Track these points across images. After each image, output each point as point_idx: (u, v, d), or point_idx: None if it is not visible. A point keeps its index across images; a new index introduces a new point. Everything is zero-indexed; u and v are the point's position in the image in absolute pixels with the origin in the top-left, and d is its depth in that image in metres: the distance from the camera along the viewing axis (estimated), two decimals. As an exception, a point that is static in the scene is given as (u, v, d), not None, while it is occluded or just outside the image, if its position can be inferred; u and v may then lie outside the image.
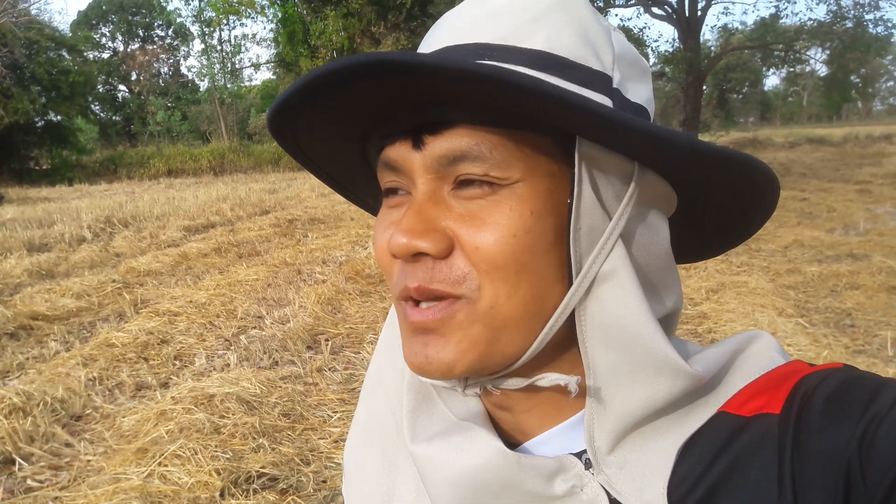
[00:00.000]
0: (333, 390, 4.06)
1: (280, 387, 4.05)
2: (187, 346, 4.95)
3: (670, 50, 22.92)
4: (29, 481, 3.13)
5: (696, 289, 5.93)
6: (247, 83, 52.27)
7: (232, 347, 4.90)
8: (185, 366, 4.61)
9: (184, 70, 57.65)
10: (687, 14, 20.56)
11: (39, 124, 31.15)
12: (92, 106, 42.17)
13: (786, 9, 25.43)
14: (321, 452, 3.28)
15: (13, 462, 3.27)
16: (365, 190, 0.63)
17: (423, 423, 0.54)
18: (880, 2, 18.41)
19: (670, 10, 21.20)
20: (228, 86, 45.68)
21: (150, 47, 54.72)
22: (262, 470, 3.06)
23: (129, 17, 53.85)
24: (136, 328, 5.26)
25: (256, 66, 52.86)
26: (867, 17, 18.77)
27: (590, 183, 0.46)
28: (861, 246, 7.48)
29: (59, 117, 32.09)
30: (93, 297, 6.44)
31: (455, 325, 0.47)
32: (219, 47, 45.39)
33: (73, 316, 5.89)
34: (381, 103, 0.46)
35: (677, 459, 0.48)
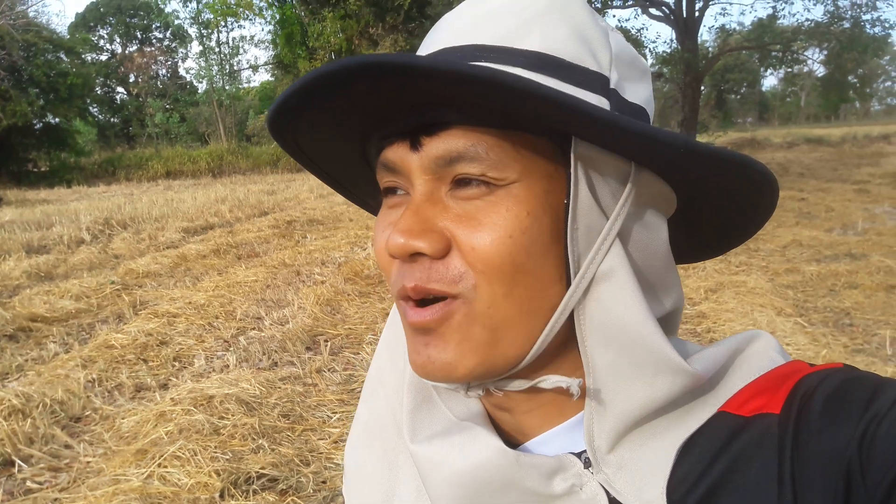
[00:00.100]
0: (333, 391, 4.06)
1: (279, 388, 4.05)
2: (186, 348, 4.95)
3: (668, 51, 22.94)
4: (28, 483, 3.13)
5: (695, 288, 5.93)
6: (245, 85, 52.32)
7: (231, 348, 4.90)
8: (185, 367, 4.60)
9: (182, 72, 57.67)
10: (685, 15, 20.57)
11: (38, 126, 31.09)
12: (90, 108, 42.11)
13: (783, 9, 25.44)
14: (321, 453, 3.28)
15: (13, 464, 3.27)
16: (365, 190, 0.63)
17: (423, 423, 0.54)
18: (877, 2, 18.45)
19: (668, 11, 21.22)
20: (227, 88, 45.69)
21: (148, 49, 54.69)
22: (261, 471, 3.06)
23: (127, 20, 53.82)
24: (135, 330, 5.26)
25: (255, 68, 52.90)
26: (864, 17, 18.81)
27: (586, 183, 0.46)
28: (859, 245, 7.49)
29: (57, 119, 32.05)
30: (92, 298, 6.44)
31: (454, 325, 0.47)
32: (217, 49, 45.41)
33: (72, 318, 5.89)
34: (379, 104, 0.47)
35: (677, 459, 0.48)
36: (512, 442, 0.54)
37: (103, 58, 53.08)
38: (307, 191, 17.23)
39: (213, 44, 45.06)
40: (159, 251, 8.97)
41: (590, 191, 0.47)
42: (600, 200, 0.47)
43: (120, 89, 54.23)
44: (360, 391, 0.65)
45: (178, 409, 3.66)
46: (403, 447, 0.58)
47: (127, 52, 54.10)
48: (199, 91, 51.99)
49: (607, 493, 0.49)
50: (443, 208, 0.47)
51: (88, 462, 3.30)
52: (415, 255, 0.47)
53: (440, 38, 0.50)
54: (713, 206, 0.56)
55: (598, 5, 19.40)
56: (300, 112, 0.47)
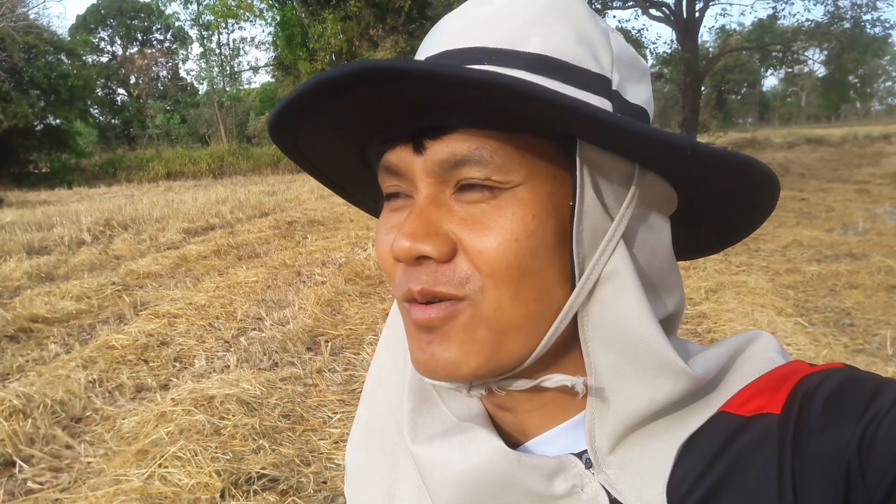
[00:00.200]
0: (333, 391, 4.06)
1: (280, 388, 4.05)
2: (187, 348, 4.95)
3: (668, 51, 22.94)
4: (29, 483, 3.13)
5: (696, 289, 5.93)
6: (245, 86, 52.26)
7: (232, 349, 4.90)
8: (185, 367, 4.61)
9: (183, 73, 57.67)
10: (685, 15, 20.57)
11: (38, 128, 31.10)
12: (91, 109, 42.14)
13: (783, 10, 25.41)
14: (321, 453, 3.29)
15: (13, 464, 3.27)
16: (366, 192, 0.63)
17: (423, 423, 0.54)
18: (878, 2, 18.44)
19: (668, 12, 21.22)
20: (227, 89, 45.68)
21: (149, 51, 54.70)
22: (262, 471, 3.06)
23: (128, 21, 53.84)
24: (136, 330, 5.26)
25: (255, 70, 53.01)
26: (865, 17, 18.80)
27: (591, 185, 0.47)
28: (860, 245, 7.49)
29: (58, 121, 32.06)
30: (92, 299, 6.44)
31: (459, 326, 0.47)
32: (217, 51, 45.42)
33: (72, 318, 5.89)
34: (381, 108, 0.46)
35: (677, 459, 0.48)
36: (512, 442, 0.55)
37: (104, 59, 53.11)
38: (308, 192, 17.23)
39: (213, 45, 45.12)
40: (160, 252, 8.97)
41: (595, 193, 0.47)
42: (605, 202, 0.47)
43: (121, 91, 54.25)
44: (360, 391, 0.65)
45: (179, 409, 3.66)
46: (404, 447, 0.58)
47: (128, 53, 54.13)
48: (200, 92, 52.09)
49: (608, 493, 0.49)
50: (447, 211, 0.47)
51: (89, 462, 3.31)
52: (420, 259, 0.47)
53: (440, 40, 0.50)
54: (714, 206, 0.56)
55: (598, 6, 19.42)
56: (302, 116, 0.47)
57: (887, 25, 19.04)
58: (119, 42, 54.59)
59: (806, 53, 23.96)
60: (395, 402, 0.59)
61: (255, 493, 2.92)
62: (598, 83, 0.48)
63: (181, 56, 57.24)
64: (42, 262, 8.13)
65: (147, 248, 9.36)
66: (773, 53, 22.75)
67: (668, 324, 0.55)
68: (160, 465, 3.06)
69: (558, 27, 0.48)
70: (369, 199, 0.64)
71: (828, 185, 14.20)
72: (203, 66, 45.89)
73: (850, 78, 23.90)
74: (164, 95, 52.58)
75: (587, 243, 0.47)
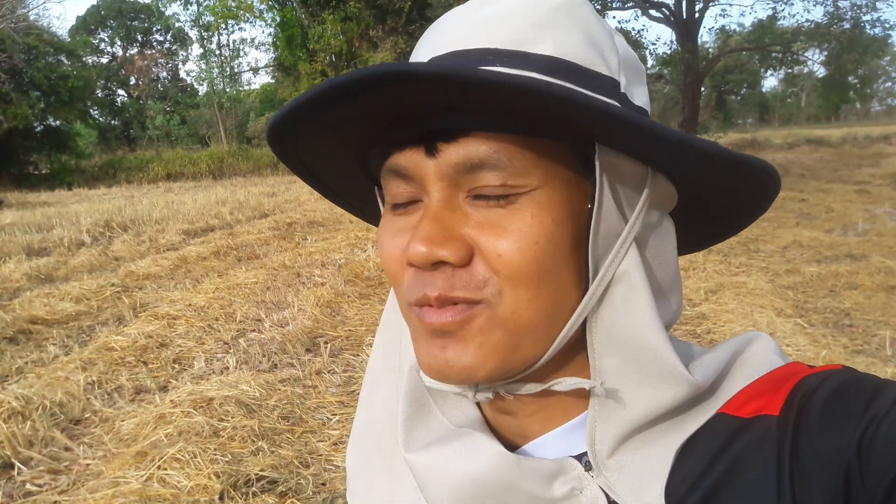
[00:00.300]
0: (333, 393, 4.06)
1: (279, 389, 4.05)
2: (186, 350, 4.95)
3: (668, 52, 22.96)
4: (28, 485, 3.13)
5: (695, 289, 5.93)
6: (246, 87, 52.23)
7: (231, 350, 4.90)
8: (185, 369, 4.61)
9: (183, 74, 57.66)
10: (685, 16, 20.61)
11: (38, 129, 31.12)
12: (91, 111, 42.19)
13: (783, 10, 25.42)
14: (320, 455, 3.28)
15: (12, 466, 3.27)
16: (357, 196, 0.62)
17: (418, 431, 0.54)
18: (877, 3, 18.45)
19: (668, 13, 21.25)
20: (227, 90, 45.67)
21: (149, 52, 54.71)
22: (261, 473, 3.06)
23: (128, 22, 53.86)
24: (136, 332, 5.26)
25: (255, 71, 52.91)
26: (864, 18, 18.84)
27: (609, 188, 0.47)
28: (860, 246, 7.49)
29: (58, 122, 32.08)
30: (92, 301, 6.44)
31: (475, 329, 0.47)
32: (217, 52, 45.40)
33: (72, 320, 5.89)
34: (389, 110, 0.46)
35: (676, 461, 0.48)
36: (510, 445, 0.54)
37: (104, 60, 53.13)
38: (308, 193, 17.22)
39: (213, 46, 45.08)
40: (159, 253, 8.97)
41: (612, 196, 0.47)
42: (620, 205, 0.48)
43: (121, 92, 54.26)
44: (359, 393, 0.65)
45: (178, 411, 3.66)
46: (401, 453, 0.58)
47: (128, 54, 54.14)
48: (200, 93, 52.11)
49: (607, 496, 0.49)
50: (462, 215, 0.47)
51: (88, 464, 3.30)
52: (437, 264, 0.46)
53: (444, 40, 0.49)
54: (718, 204, 0.56)
55: (598, 7, 19.42)
56: (311, 119, 0.46)
57: (887, 26, 19.08)
58: (119, 43, 54.63)
59: (806, 54, 24.00)
60: (392, 405, 0.59)
61: (254, 494, 2.92)
62: (609, 85, 0.48)
63: (181, 57, 57.30)
64: (41, 263, 8.13)
65: (147, 250, 9.37)
66: (773, 54, 22.79)
67: (668, 326, 0.55)
68: (159, 467, 3.06)
69: (568, 29, 0.48)
70: (361, 203, 0.64)
71: (828, 185, 14.21)
72: (203, 67, 45.89)
73: (850, 78, 23.92)
74: (164, 96, 52.59)
75: (602, 246, 0.47)
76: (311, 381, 4.26)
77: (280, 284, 6.94)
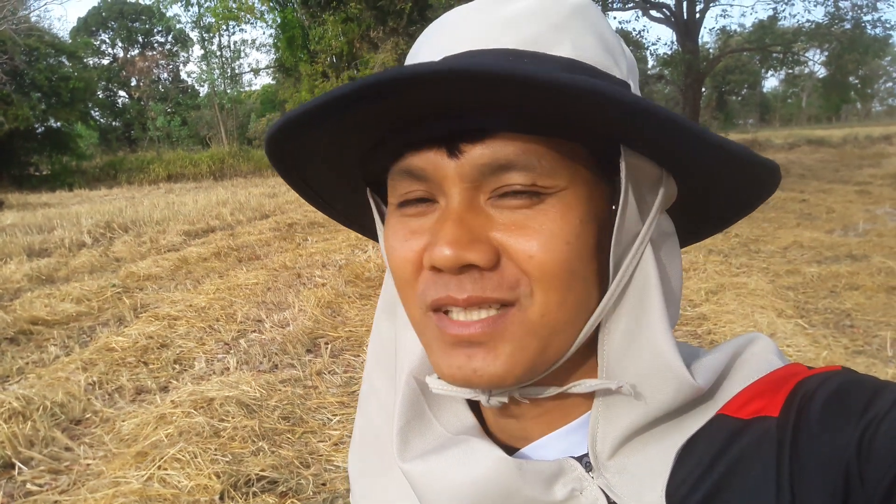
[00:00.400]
0: (333, 393, 4.06)
1: (280, 390, 4.05)
2: (187, 350, 4.95)
3: (669, 53, 22.96)
4: (29, 485, 3.13)
5: (696, 290, 5.92)
6: (246, 88, 52.33)
7: (231, 351, 4.90)
8: (185, 370, 4.61)
9: (183, 76, 57.69)
10: (685, 17, 20.60)
11: (39, 130, 31.14)
12: (92, 112, 42.18)
13: (784, 11, 25.42)
14: (321, 455, 3.28)
15: (13, 466, 3.27)
16: (344, 195, 0.61)
17: (414, 440, 0.53)
18: (878, 3, 18.44)
19: (668, 13, 21.24)
20: (228, 91, 45.73)
21: (150, 53, 54.74)
22: (261, 473, 3.06)
23: (129, 24, 53.89)
24: (136, 332, 5.26)
25: (256, 72, 52.88)
26: (865, 18, 18.81)
27: (632, 189, 0.47)
28: (860, 247, 7.48)
29: (59, 123, 32.09)
30: (93, 301, 6.44)
31: (508, 336, 0.46)
32: (218, 53, 45.46)
33: (72, 321, 5.90)
34: (411, 110, 0.44)
35: (676, 462, 0.48)
36: (509, 448, 0.54)
37: (105, 62, 53.18)
38: (308, 194, 17.19)
39: (214, 48, 45.16)
40: (160, 254, 8.98)
41: (634, 197, 0.47)
42: (639, 206, 0.48)
43: (122, 93, 54.27)
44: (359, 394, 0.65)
45: (179, 411, 3.66)
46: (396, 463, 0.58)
47: (129, 56, 54.18)
48: (201, 94, 52.15)
49: (607, 497, 0.49)
50: (486, 217, 0.46)
51: (88, 464, 3.30)
52: (463, 267, 0.45)
53: (455, 40, 0.48)
54: (718, 203, 0.57)
55: (599, 6, 19.40)
56: (330, 118, 0.45)
57: (888, 26, 19.04)
58: (120, 44, 54.66)
59: (806, 54, 23.97)
60: (389, 410, 0.59)
61: (255, 495, 2.92)
62: (623, 88, 0.48)
63: (182, 58, 57.33)
64: (42, 264, 8.14)
65: (147, 251, 9.37)
66: (774, 54, 22.75)
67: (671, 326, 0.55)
68: (159, 468, 3.06)
69: (584, 32, 0.48)
70: (343, 204, 0.62)
71: (828, 186, 14.20)
72: (204, 68, 45.99)
73: (851, 79, 23.87)
74: (165, 98, 52.62)
75: (623, 246, 0.48)
76: (311, 382, 4.26)
77: (281, 285, 6.94)
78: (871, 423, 0.42)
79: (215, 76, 44.85)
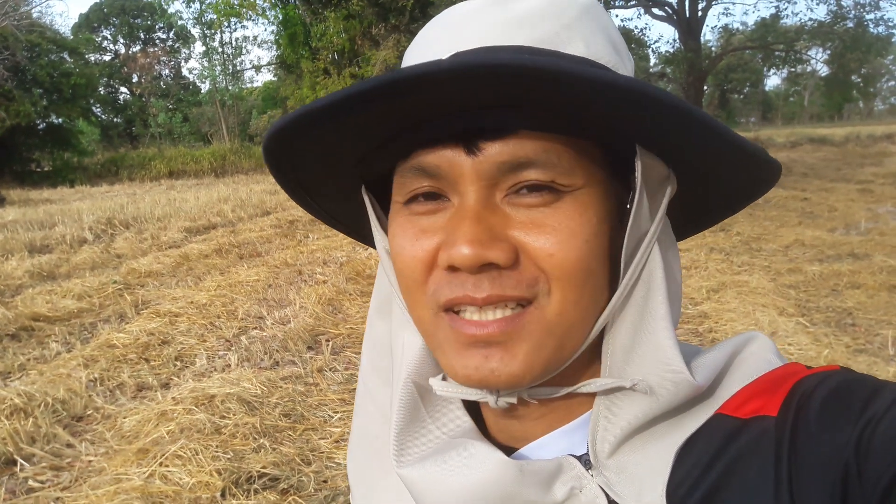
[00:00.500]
0: (334, 390, 4.06)
1: (281, 387, 4.05)
2: (188, 347, 4.95)
3: (671, 51, 22.92)
4: (30, 482, 3.14)
5: (697, 288, 5.92)
6: (248, 85, 52.40)
7: (233, 348, 4.90)
8: (186, 366, 4.61)
9: (185, 72, 57.87)
10: (687, 15, 20.56)
11: (41, 126, 31.19)
12: (93, 108, 42.13)
13: (786, 9, 25.38)
14: (322, 452, 3.29)
15: (14, 463, 3.28)
16: (335, 195, 0.60)
17: (411, 445, 0.53)
18: (881, 1, 18.41)
19: (671, 11, 21.20)
20: (229, 88, 45.74)
21: (152, 50, 54.76)
22: (262, 470, 3.06)
23: (131, 20, 53.93)
24: (137, 329, 5.27)
25: (257, 68, 53.11)
26: (868, 16, 18.78)
27: (645, 189, 0.47)
28: (862, 245, 7.47)
29: (60, 119, 32.15)
30: (94, 298, 6.45)
31: (525, 335, 0.46)
32: (220, 49, 45.45)
33: (74, 317, 5.90)
34: (429, 108, 0.44)
35: (675, 462, 0.48)
36: (507, 448, 0.54)
37: (107, 58, 53.23)
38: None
39: (216, 44, 45.16)
40: (162, 251, 8.98)
41: (647, 196, 0.48)
42: (650, 205, 0.48)
43: (123, 89, 54.35)
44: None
45: (180, 408, 3.66)
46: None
47: (130, 52, 54.21)
48: (202, 91, 52.14)
49: (607, 496, 0.49)
50: (503, 216, 0.46)
51: (90, 461, 3.31)
52: (482, 266, 0.45)
53: (465, 36, 0.48)
54: (718, 200, 0.57)
55: (603, 6, 19.38)
56: (342, 117, 0.44)
57: (890, 25, 19.12)
58: (122, 41, 54.71)
59: (809, 53, 23.93)
60: (386, 410, 0.59)
61: (256, 491, 2.92)
62: None
63: (184, 55, 57.37)
64: (44, 260, 8.14)
65: (149, 247, 9.37)
66: (776, 53, 22.74)
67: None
68: (161, 464, 3.06)
69: (595, 32, 0.48)
70: (332, 204, 0.61)
71: (830, 184, 14.18)
72: (205, 64, 46.01)
73: (853, 77, 23.87)
74: (167, 94, 52.66)
75: (634, 245, 0.48)
76: (312, 379, 4.26)
77: (282, 282, 6.95)
78: (870, 423, 0.42)
79: (217, 73, 44.84)
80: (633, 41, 23.28)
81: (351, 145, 0.51)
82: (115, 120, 52.48)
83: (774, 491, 0.44)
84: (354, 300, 6.13)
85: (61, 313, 5.90)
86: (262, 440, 3.34)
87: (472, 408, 0.56)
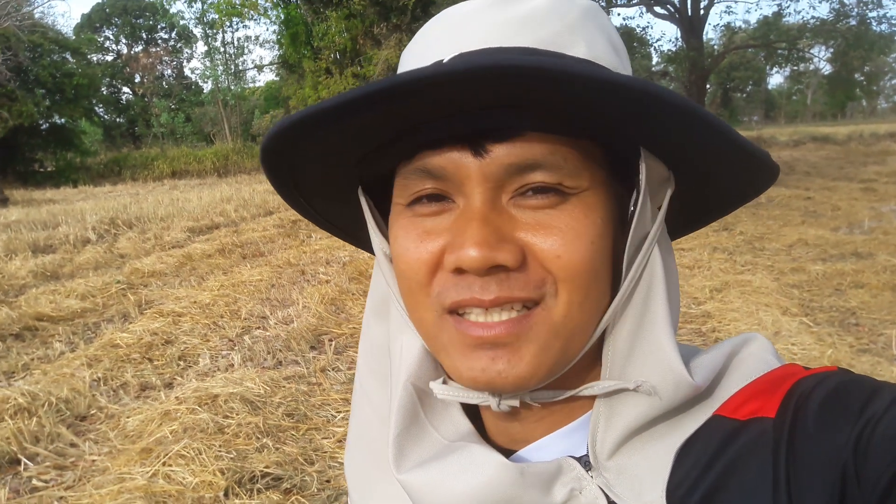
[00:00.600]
0: (337, 390, 4.06)
1: (284, 387, 4.05)
2: (191, 347, 4.96)
3: (673, 49, 22.89)
4: (34, 481, 3.14)
5: (700, 288, 5.91)
6: (250, 85, 52.41)
7: (236, 348, 4.91)
8: (190, 366, 4.62)
9: (187, 72, 57.88)
10: (689, 13, 20.52)
11: (44, 127, 31.26)
12: (96, 108, 42.28)
13: (788, 7, 25.33)
14: (325, 452, 3.29)
15: (18, 462, 3.29)
16: (331, 198, 0.59)
17: (410, 450, 0.52)
18: (884, -1, 18.35)
19: (673, 10, 21.16)
20: (232, 87, 45.76)
21: (154, 50, 54.80)
22: (265, 470, 3.07)
23: (133, 20, 53.96)
24: (141, 329, 5.28)
25: (259, 68, 53.14)
26: (871, 14, 18.74)
27: (648, 191, 0.48)
28: (866, 244, 7.46)
29: (63, 120, 32.23)
30: (97, 298, 6.46)
31: (532, 336, 0.46)
32: (222, 49, 45.49)
33: (77, 317, 5.91)
34: (435, 109, 0.43)
35: (675, 462, 0.48)
36: (506, 451, 0.54)
37: (109, 58, 53.27)
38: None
39: (218, 44, 45.20)
40: (165, 251, 9.00)
41: (649, 198, 0.48)
42: (651, 206, 0.49)
43: (125, 89, 54.39)
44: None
45: (183, 408, 3.67)
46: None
47: (132, 52, 54.25)
48: (205, 91, 52.14)
49: (607, 497, 0.49)
50: (509, 217, 0.46)
51: (94, 460, 3.32)
52: (490, 268, 0.45)
53: (468, 37, 0.47)
54: (717, 200, 0.57)
55: (603, 3, 19.36)
56: (345, 120, 0.43)
57: (893, 23, 19.04)
58: (124, 41, 54.73)
59: (811, 51, 23.88)
60: (382, 412, 0.59)
61: (259, 491, 2.92)
62: None
63: (186, 55, 57.39)
64: (47, 260, 8.16)
65: (152, 247, 9.39)
66: (779, 51, 22.70)
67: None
68: (164, 464, 3.07)
69: (596, 34, 0.48)
70: (326, 206, 0.61)
71: (833, 183, 14.15)
72: (208, 64, 46.07)
73: (856, 75, 23.80)
74: (169, 94, 52.70)
75: (635, 247, 0.48)
76: (315, 379, 4.27)
77: (285, 282, 6.95)
78: (868, 424, 0.42)
79: (219, 73, 44.88)
80: (636, 40, 23.26)
81: (351, 147, 0.50)
82: (117, 120, 52.53)
83: (773, 492, 0.44)
84: (357, 300, 6.13)
85: (65, 313, 5.91)
86: (265, 440, 3.34)
87: (470, 410, 0.56)
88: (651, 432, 0.50)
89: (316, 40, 22.86)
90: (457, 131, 0.45)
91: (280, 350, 4.79)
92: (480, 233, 0.44)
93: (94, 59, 47.63)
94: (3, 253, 8.65)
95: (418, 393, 0.54)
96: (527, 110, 0.43)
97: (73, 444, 3.49)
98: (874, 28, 18.95)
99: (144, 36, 54.99)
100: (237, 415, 3.58)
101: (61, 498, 2.98)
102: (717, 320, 5.07)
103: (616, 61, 0.49)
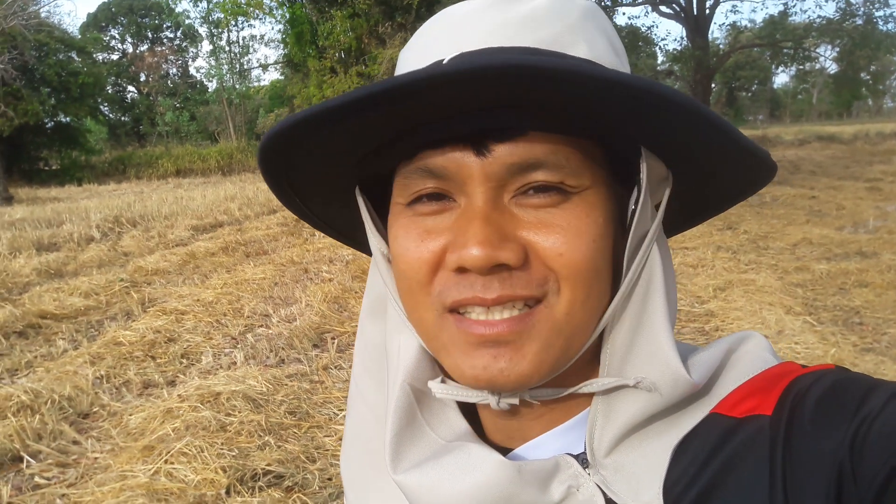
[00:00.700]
0: (339, 388, 4.07)
1: (286, 385, 4.06)
2: (194, 345, 4.97)
3: (678, 48, 22.84)
4: (37, 478, 3.15)
5: (704, 287, 5.90)
6: (255, 84, 52.47)
7: (239, 346, 4.92)
8: (192, 364, 4.63)
9: (192, 71, 57.90)
10: (695, 12, 20.47)
11: (49, 125, 31.37)
12: (101, 107, 42.30)
13: (794, 6, 25.27)
14: (327, 450, 3.29)
15: (21, 459, 3.30)
16: (328, 199, 0.58)
17: (407, 451, 0.52)
18: (890, -2, 18.28)
19: (678, 9, 21.11)
20: (237, 86, 45.83)
21: (159, 49, 54.93)
22: (267, 467, 3.07)
23: (138, 19, 54.09)
24: (144, 327, 5.29)
25: (264, 67, 53.04)
26: (877, 13, 18.67)
27: (648, 188, 0.48)
28: (870, 244, 7.43)
29: (68, 118, 32.33)
30: (101, 296, 6.48)
31: (535, 334, 0.46)
32: (227, 48, 45.55)
33: (81, 315, 5.93)
34: (439, 109, 0.43)
35: (672, 460, 0.48)
36: (503, 449, 0.54)
37: (114, 57, 53.40)
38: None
39: (223, 43, 45.26)
40: (168, 249, 9.02)
41: (649, 197, 0.48)
42: (652, 206, 0.49)
43: (131, 88, 54.53)
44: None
45: (186, 405, 3.68)
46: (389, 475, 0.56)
47: (138, 51, 54.40)
48: (210, 90, 52.24)
49: (604, 494, 0.49)
50: (511, 216, 0.46)
51: (96, 458, 3.32)
52: (493, 267, 0.45)
53: (468, 36, 0.47)
54: (715, 199, 0.57)
55: (608, 3, 19.33)
56: (348, 120, 0.43)
57: (900, 22, 18.89)
58: (129, 40, 54.88)
59: (817, 50, 23.81)
60: (378, 411, 0.59)
61: (261, 489, 2.93)
62: None
63: (191, 54, 57.53)
64: (51, 258, 8.19)
65: (155, 245, 9.41)
66: (785, 50, 22.63)
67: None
68: (166, 461, 3.07)
69: (597, 35, 0.48)
70: (323, 207, 0.60)
71: (839, 182, 14.10)
72: (213, 63, 46.07)
73: (862, 75, 23.75)
74: (174, 93, 52.80)
75: (636, 245, 0.48)
76: (318, 377, 4.27)
77: (288, 280, 6.96)
78: (865, 422, 0.42)
79: (224, 71, 44.93)
80: (641, 39, 23.21)
81: (351, 147, 0.50)
82: (122, 118, 52.68)
83: (769, 489, 0.44)
84: (360, 298, 6.12)
85: (68, 311, 5.93)
86: (267, 438, 3.35)
87: (467, 410, 0.56)
88: (648, 430, 0.49)
89: (321, 39, 22.87)
90: (458, 131, 0.45)
91: (283, 348, 4.80)
92: (483, 232, 0.44)
93: (100, 58, 47.71)
94: (8, 251, 8.69)
95: (415, 393, 0.54)
96: (528, 110, 0.43)
97: (75, 442, 3.50)
98: (880, 27, 18.89)
99: (150, 35, 55.12)
100: (239, 412, 3.59)
101: (63, 495, 2.99)
102: (720, 319, 5.06)
103: (616, 62, 0.49)
